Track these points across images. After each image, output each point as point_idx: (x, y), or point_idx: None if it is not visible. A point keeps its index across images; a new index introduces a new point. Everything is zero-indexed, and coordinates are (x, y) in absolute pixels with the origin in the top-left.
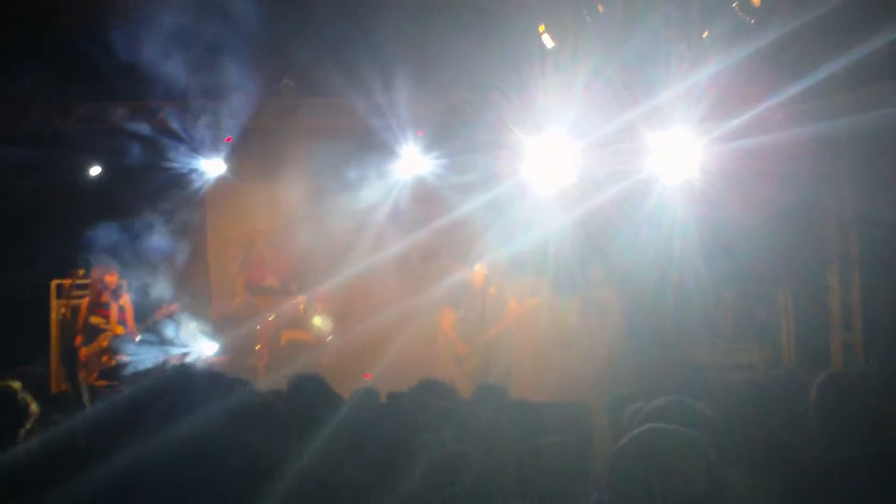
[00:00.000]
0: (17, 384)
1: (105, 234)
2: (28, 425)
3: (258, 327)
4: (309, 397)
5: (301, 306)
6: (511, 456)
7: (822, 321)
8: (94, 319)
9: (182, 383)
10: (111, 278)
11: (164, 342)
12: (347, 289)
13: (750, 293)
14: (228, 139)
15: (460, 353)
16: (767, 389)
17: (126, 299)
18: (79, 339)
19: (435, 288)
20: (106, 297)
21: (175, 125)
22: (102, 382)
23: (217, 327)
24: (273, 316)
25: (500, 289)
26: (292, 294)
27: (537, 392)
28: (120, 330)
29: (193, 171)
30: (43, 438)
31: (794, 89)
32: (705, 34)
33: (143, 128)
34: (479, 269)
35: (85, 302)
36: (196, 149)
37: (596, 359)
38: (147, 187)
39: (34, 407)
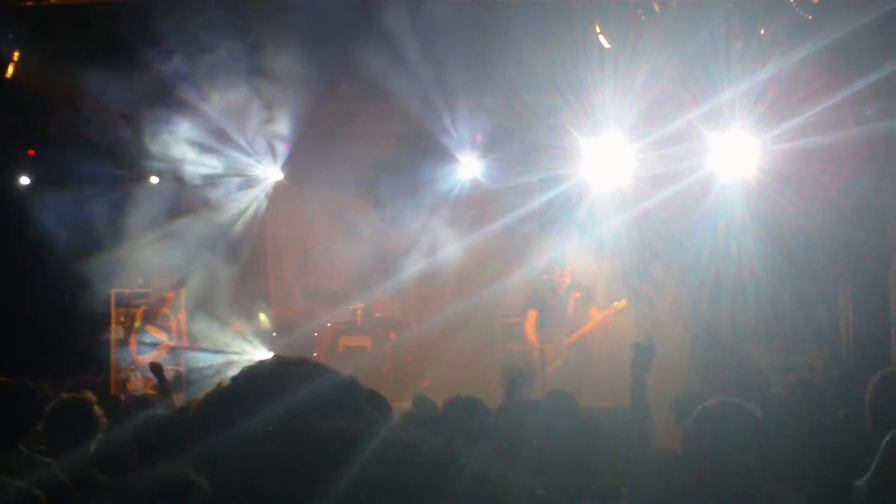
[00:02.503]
0: (91, 396)
1: (163, 242)
2: (98, 436)
3: (316, 334)
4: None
5: (359, 312)
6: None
7: (882, 320)
8: (153, 331)
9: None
10: (170, 293)
11: (219, 352)
12: (405, 294)
13: (808, 293)
14: (286, 146)
15: (546, 356)
16: (824, 390)
17: (183, 314)
18: (132, 345)
19: (494, 291)
20: (166, 309)
21: (232, 132)
22: (154, 392)
23: (275, 334)
24: (331, 322)
25: (584, 292)
26: (350, 300)
27: (597, 396)
28: (175, 342)
29: (251, 178)
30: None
31: (855, 88)
32: (763, 31)
33: (201, 135)
34: (564, 272)
35: (140, 311)
36: (254, 155)
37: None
38: (205, 195)
39: (104, 420)
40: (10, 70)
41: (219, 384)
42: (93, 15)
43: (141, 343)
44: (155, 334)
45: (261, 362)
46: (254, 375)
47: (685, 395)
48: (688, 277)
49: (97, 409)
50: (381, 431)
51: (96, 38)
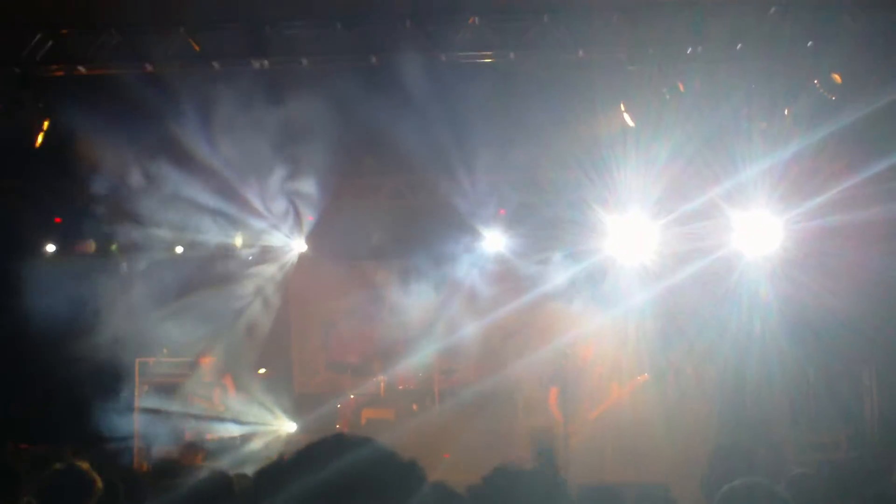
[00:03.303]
0: (84, 464)
1: (188, 312)
2: (93, 502)
3: (339, 406)
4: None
5: (382, 385)
6: None
7: None
8: (198, 401)
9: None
10: (206, 360)
11: (245, 423)
12: (428, 367)
13: (833, 371)
14: (311, 217)
15: (569, 431)
16: (848, 469)
17: (229, 378)
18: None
19: (518, 365)
20: (208, 377)
21: (256, 203)
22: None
23: (298, 405)
24: (353, 394)
25: (607, 367)
26: (373, 372)
27: (621, 472)
28: (222, 408)
29: (276, 249)
30: None
31: (878, 168)
32: (786, 111)
33: (225, 206)
34: (588, 347)
35: (185, 382)
36: (278, 227)
37: (678, 438)
38: (229, 266)
39: (100, 485)
40: (40, 139)
41: (279, 458)
42: (123, 85)
43: (180, 414)
44: (198, 404)
45: (322, 439)
46: (314, 452)
47: (712, 474)
48: (713, 354)
49: (92, 476)
50: None
51: (127, 107)
